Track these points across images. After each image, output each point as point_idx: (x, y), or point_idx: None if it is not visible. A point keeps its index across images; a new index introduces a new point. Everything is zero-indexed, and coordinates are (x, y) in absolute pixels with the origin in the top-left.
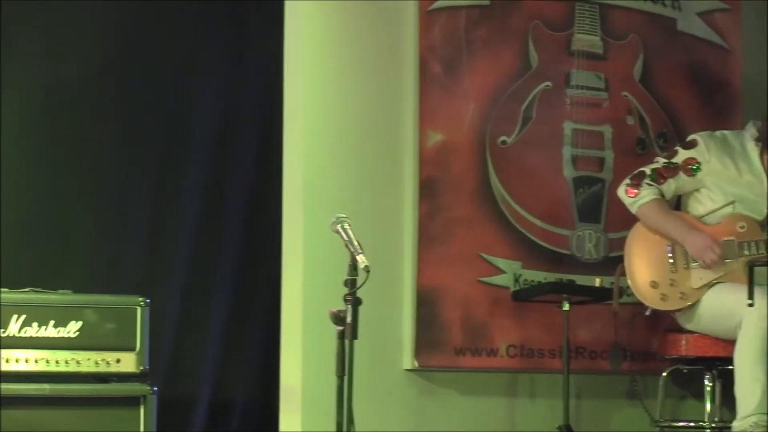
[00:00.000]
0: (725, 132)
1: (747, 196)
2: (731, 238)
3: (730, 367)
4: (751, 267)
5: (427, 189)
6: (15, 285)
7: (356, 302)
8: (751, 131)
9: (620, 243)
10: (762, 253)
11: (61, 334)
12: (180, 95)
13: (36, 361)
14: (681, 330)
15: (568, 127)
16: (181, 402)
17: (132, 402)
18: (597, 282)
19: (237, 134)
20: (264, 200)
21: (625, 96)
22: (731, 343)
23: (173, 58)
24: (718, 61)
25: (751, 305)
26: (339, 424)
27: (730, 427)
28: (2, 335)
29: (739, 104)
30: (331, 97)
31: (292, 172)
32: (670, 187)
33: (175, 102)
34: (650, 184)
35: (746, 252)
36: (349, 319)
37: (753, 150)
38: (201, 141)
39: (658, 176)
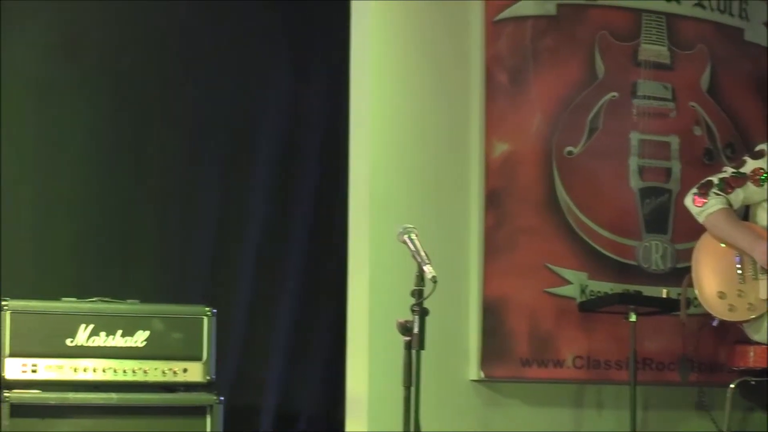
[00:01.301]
0: None
1: None
2: None
3: None
4: None
5: (493, 199)
6: (83, 294)
7: (423, 312)
8: None
9: (687, 254)
10: None
11: (128, 344)
12: (245, 105)
13: (104, 371)
14: (749, 341)
15: (634, 137)
16: (247, 412)
17: (198, 411)
18: (664, 293)
19: (303, 145)
20: (330, 210)
21: (693, 106)
22: None
23: (237, 64)
24: None
25: None
26: None
27: None
28: (70, 344)
29: None
30: (397, 107)
31: (358, 182)
32: (738, 196)
33: (240, 112)
34: (718, 194)
35: None
36: (416, 330)
37: None
38: (266, 152)
39: (726, 186)
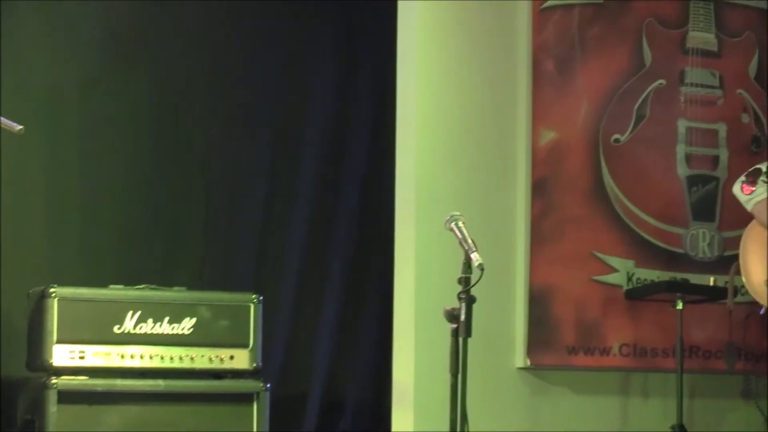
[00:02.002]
0: None
1: None
2: None
3: None
4: None
5: (539, 188)
6: (130, 282)
7: (470, 300)
8: None
9: (735, 242)
10: None
11: (175, 331)
12: (293, 97)
13: (151, 357)
14: None
15: (682, 125)
16: (294, 399)
17: (245, 399)
18: (711, 281)
19: (349, 135)
20: (376, 199)
21: (741, 93)
22: None
23: (286, 57)
24: None
25: None
26: (452, 423)
27: None
28: (118, 331)
29: None
30: (443, 95)
31: (405, 171)
32: None
33: (289, 104)
34: (766, 182)
35: None
36: (463, 317)
37: None
38: (314, 142)
39: None
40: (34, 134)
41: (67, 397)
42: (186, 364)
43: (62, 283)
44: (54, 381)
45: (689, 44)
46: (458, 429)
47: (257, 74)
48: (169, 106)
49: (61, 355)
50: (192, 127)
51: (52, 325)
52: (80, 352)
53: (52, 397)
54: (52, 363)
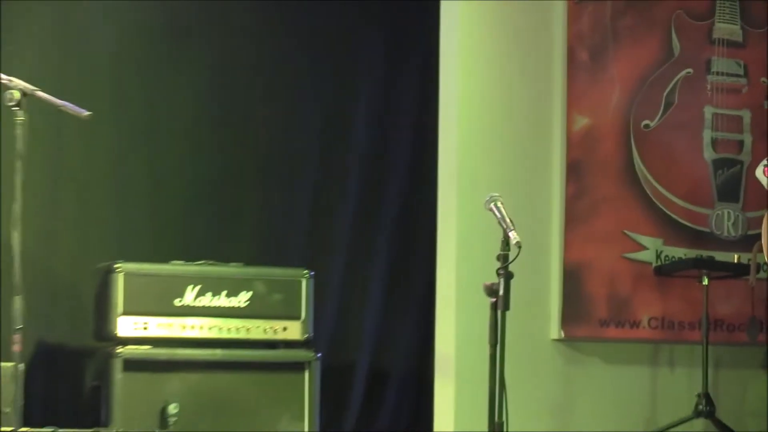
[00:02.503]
0: None
1: None
2: None
3: None
4: None
5: (573, 170)
6: (191, 258)
7: (508, 276)
8: None
9: (758, 221)
10: None
11: (232, 304)
12: (343, 84)
13: (209, 329)
14: None
15: (708, 111)
16: (342, 368)
17: (297, 367)
18: (735, 258)
19: (395, 117)
20: (421, 180)
21: (764, 82)
22: None
23: (337, 49)
24: None
25: None
26: (491, 391)
27: None
28: (178, 304)
29: None
30: (483, 82)
31: (447, 153)
32: None
33: (338, 91)
34: None
35: None
36: (501, 292)
37: None
38: (363, 125)
39: None
40: (103, 118)
41: (132, 365)
42: (242, 335)
43: (128, 259)
44: (119, 350)
45: (715, 35)
46: (497, 397)
47: (310, 66)
48: (229, 94)
49: (126, 326)
50: (251, 114)
51: (118, 298)
52: (144, 323)
53: (117, 365)
54: (117, 334)
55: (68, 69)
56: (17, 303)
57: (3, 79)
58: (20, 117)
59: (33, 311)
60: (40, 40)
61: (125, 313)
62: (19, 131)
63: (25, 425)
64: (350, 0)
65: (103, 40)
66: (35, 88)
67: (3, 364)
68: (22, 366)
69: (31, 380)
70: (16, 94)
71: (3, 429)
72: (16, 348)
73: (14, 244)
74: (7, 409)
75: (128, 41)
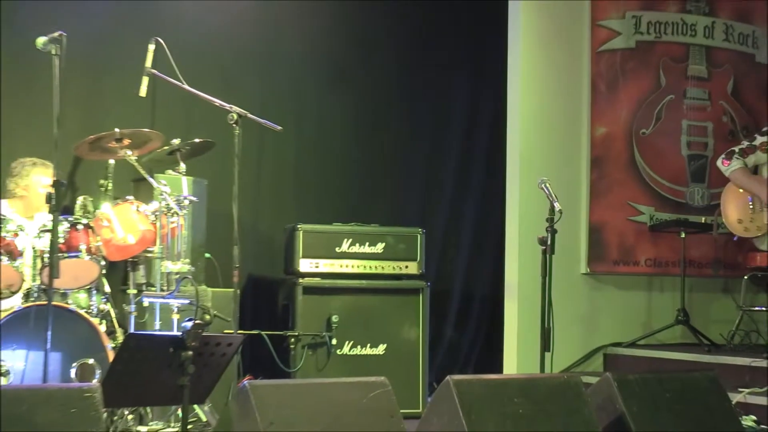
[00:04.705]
0: None
1: None
2: None
3: None
4: None
5: (596, 163)
6: (345, 220)
7: (554, 232)
8: None
9: (718, 195)
10: None
11: (372, 250)
12: (441, 92)
13: (358, 267)
14: (757, 250)
15: (684, 123)
16: (443, 293)
17: (414, 292)
18: (703, 220)
19: (478, 128)
20: (494, 168)
21: (722, 104)
22: None
23: (435, 86)
24: None
25: None
26: (542, 307)
27: None
28: (338, 251)
29: None
30: (537, 103)
31: (513, 150)
32: (750, 160)
33: (439, 98)
34: (738, 158)
35: None
36: (549, 242)
37: None
38: (455, 133)
39: (743, 153)
40: (288, 127)
41: (308, 290)
42: (379, 271)
43: (305, 222)
44: (301, 281)
45: (689, 73)
46: (546, 311)
47: (424, 98)
48: (371, 113)
49: (305, 265)
50: (384, 125)
51: (299, 246)
52: (316, 263)
53: (299, 291)
54: (299, 270)
55: (267, 95)
56: (235, 251)
57: (225, 106)
58: (237, 131)
59: (245, 255)
60: (251, 78)
61: (304, 256)
62: (236, 140)
63: (240, 329)
64: (441, 51)
65: (289, 76)
66: (246, 112)
67: (226, 290)
68: (238, 291)
69: (244, 300)
70: (235, 116)
71: (226, 331)
72: (235, 279)
73: (234, 212)
74: (228, 319)
75: (304, 77)
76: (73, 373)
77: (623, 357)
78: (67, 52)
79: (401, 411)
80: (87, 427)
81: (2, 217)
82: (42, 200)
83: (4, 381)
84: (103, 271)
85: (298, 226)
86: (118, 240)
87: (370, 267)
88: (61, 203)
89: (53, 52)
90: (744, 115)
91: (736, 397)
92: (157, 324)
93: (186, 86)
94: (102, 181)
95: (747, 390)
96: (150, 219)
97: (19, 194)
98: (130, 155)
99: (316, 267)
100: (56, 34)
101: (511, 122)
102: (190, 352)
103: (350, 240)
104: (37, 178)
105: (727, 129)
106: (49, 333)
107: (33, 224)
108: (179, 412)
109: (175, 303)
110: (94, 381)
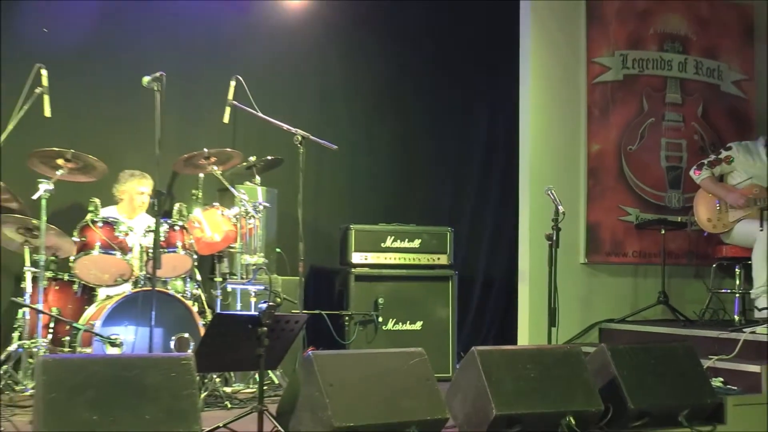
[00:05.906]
0: (747, 142)
1: (759, 175)
2: (750, 196)
3: (749, 262)
4: (761, 210)
5: (592, 173)
6: (389, 220)
7: (558, 229)
8: (761, 141)
9: (691, 199)
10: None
11: (411, 245)
12: (466, 102)
13: (399, 259)
14: (724, 243)
15: (663, 141)
16: (468, 279)
17: (445, 279)
18: (679, 219)
19: (497, 141)
20: (510, 176)
21: (693, 125)
22: (750, 249)
23: (463, 93)
24: (741, 106)
25: (761, 230)
26: (549, 290)
27: (749, 293)
28: (383, 246)
29: (754, 127)
30: (543, 124)
31: (524, 161)
32: (717, 170)
33: (463, 108)
34: (707, 168)
35: (758, 203)
36: (554, 237)
37: (762, 150)
38: (477, 145)
39: (711, 165)
40: (341, 142)
41: (359, 278)
42: (416, 262)
43: (356, 222)
44: (353, 270)
45: (667, 100)
46: (552, 294)
47: (450, 105)
48: (408, 126)
49: (357, 257)
50: (420, 135)
51: (352, 242)
52: (365, 256)
53: (352, 279)
54: (352, 261)
55: (324, 119)
56: (300, 246)
57: (292, 130)
58: (301, 149)
59: (308, 250)
60: (311, 105)
61: (356, 250)
62: (300, 157)
63: (304, 310)
64: (465, 88)
65: (342, 104)
66: (308, 134)
67: (293, 278)
68: (302, 279)
69: (307, 287)
70: (299, 138)
71: (294, 311)
72: (300, 269)
73: (299, 215)
74: (295, 302)
75: (354, 106)
76: (172, 344)
77: (615, 331)
78: (165, 87)
79: (435, 375)
80: (184, 387)
81: (115, 219)
82: (137, 203)
83: (118, 351)
84: (195, 263)
85: (351, 226)
86: (206, 238)
87: (409, 259)
88: (162, 209)
89: (155, 88)
90: (711, 134)
91: (707, 363)
92: (239, 305)
93: (260, 114)
94: (194, 191)
95: (716, 357)
96: (232, 221)
97: (120, 198)
98: (216, 170)
99: (366, 259)
100: (158, 74)
101: (523, 141)
102: (265, 328)
103: (393, 237)
104: (133, 185)
105: (698, 145)
106: (153, 313)
107: (136, 223)
108: (256, 376)
109: (252, 289)
110: (189, 351)
